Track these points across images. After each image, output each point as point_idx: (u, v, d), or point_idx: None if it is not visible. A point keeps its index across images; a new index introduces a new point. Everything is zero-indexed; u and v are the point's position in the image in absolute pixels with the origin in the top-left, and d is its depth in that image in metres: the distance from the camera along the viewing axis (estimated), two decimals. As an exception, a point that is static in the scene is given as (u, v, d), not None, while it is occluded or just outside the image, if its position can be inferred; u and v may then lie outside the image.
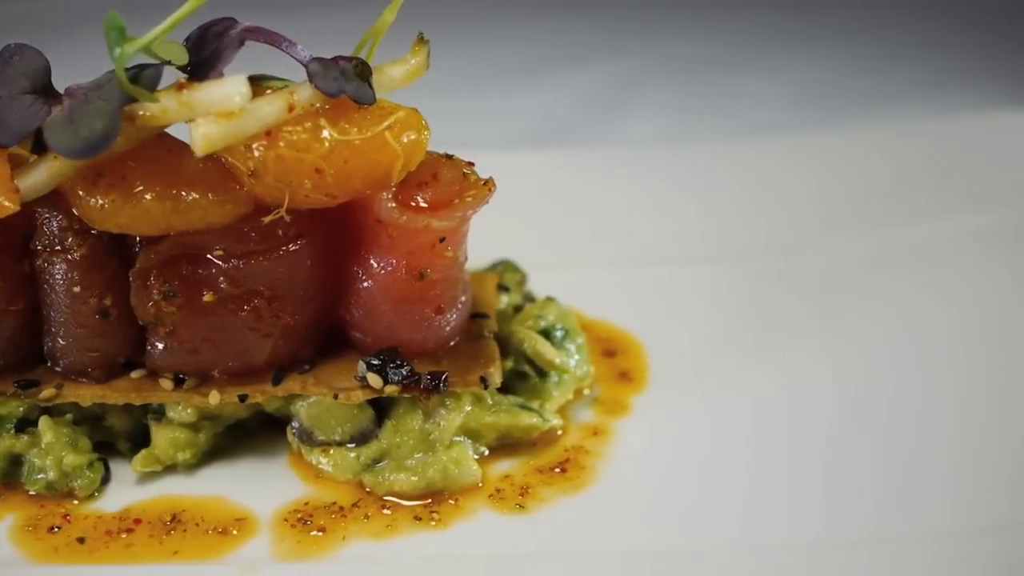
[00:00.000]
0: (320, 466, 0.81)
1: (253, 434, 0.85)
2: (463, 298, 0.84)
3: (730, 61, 1.70)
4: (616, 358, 0.96)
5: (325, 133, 0.73)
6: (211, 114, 0.70)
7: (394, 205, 0.75)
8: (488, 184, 0.78)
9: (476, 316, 0.87)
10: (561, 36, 1.75)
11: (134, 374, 0.81)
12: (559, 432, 0.86)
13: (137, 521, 0.77)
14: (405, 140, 0.75)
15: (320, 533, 0.76)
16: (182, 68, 0.75)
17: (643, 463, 0.83)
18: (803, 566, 0.74)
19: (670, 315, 1.02)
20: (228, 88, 0.70)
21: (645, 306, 1.03)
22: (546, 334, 0.88)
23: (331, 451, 0.81)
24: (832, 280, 1.05)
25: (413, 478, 0.79)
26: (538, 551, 0.75)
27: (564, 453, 0.84)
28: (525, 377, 0.86)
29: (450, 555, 0.74)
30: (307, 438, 0.82)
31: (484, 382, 0.81)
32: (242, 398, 0.80)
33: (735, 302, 1.03)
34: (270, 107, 0.72)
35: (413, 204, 0.76)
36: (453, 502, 0.79)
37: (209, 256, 0.76)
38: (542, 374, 0.86)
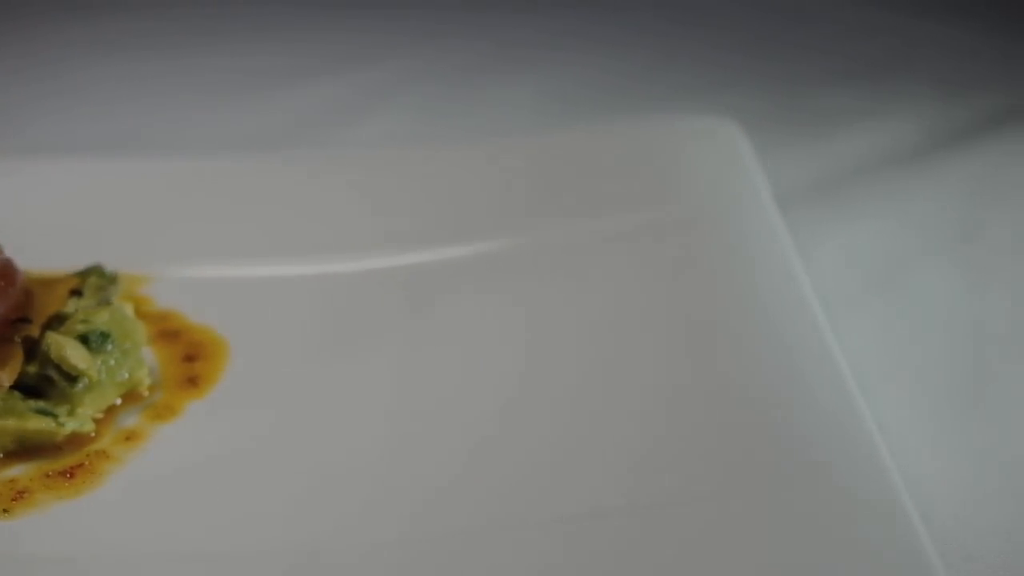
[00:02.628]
0: None
1: None
2: (-11, 303, 0.85)
3: (495, 64, 1.70)
4: (195, 363, 0.96)
5: None
6: None
7: None
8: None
9: (18, 320, 0.88)
10: (320, 40, 1.76)
11: None
12: (92, 436, 0.87)
13: None
14: None
15: None
16: None
17: (157, 469, 0.84)
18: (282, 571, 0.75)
19: (277, 321, 1.02)
20: None
21: (257, 312, 1.03)
22: (84, 339, 0.89)
23: None
24: (450, 287, 1.05)
25: (-99, 479, 0.80)
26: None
27: (83, 458, 0.85)
28: (53, 382, 0.87)
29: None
30: None
31: (-13, 387, 0.82)
32: None
33: (345, 309, 1.03)
34: None
35: None
36: (-58, 504, 0.80)
37: None
38: (71, 379, 0.87)
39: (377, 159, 1.23)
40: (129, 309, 0.97)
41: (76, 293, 0.95)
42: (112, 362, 0.89)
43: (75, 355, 0.86)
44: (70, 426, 0.85)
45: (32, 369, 0.86)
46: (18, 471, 0.83)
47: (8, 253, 0.94)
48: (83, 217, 1.10)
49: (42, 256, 1.03)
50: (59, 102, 1.58)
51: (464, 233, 1.10)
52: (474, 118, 1.55)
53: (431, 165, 1.17)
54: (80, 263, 1.02)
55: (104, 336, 0.89)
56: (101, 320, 0.90)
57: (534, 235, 1.09)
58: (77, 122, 1.52)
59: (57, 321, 0.91)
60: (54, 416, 0.85)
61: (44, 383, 0.87)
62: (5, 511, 0.79)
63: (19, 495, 0.81)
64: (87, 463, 0.84)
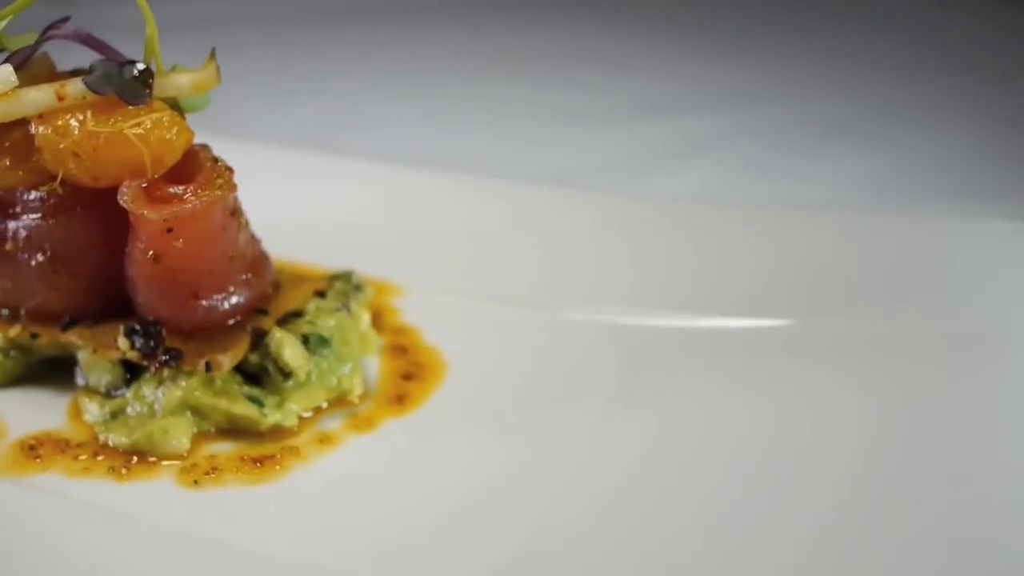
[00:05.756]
0: (82, 407, 0.94)
1: (67, 371, 0.99)
2: (235, 289, 0.93)
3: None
4: (410, 382, 0.99)
5: (78, 123, 0.85)
6: (-12, 94, 0.86)
7: (127, 192, 0.86)
8: (221, 189, 0.86)
9: (258, 311, 0.95)
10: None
11: (-24, 301, 0.99)
12: (293, 431, 0.92)
13: (-75, 416, 0.94)
14: (154, 139, 0.86)
15: (37, 460, 0.89)
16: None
17: (334, 477, 0.87)
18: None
19: (506, 358, 1.02)
20: (-3, 75, 0.85)
21: (488, 344, 1.04)
22: (305, 340, 0.94)
23: (91, 396, 0.94)
24: (674, 356, 1.00)
25: (125, 435, 0.89)
26: (173, 522, 0.82)
27: (277, 449, 0.90)
28: (269, 374, 0.93)
29: (100, 504, 0.83)
30: (82, 381, 0.95)
31: (208, 366, 0.89)
32: (34, 336, 0.95)
33: (580, 359, 1.01)
34: (38, 94, 0.86)
35: (149, 195, 0.86)
36: (153, 463, 0.88)
37: (11, 211, 0.92)
38: (285, 375, 0.92)
39: (662, 210, 1.19)
40: (366, 319, 1.02)
41: (320, 294, 1.01)
42: (325, 366, 0.94)
43: (291, 354, 0.92)
44: (272, 418, 0.91)
45: (254, 358, 0.93)
46: (220, 448, 0.90)
47: (281, 245, 1.03)
48: (361, 220, 1.18)
49: (316, 252, 1.13)
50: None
51: (716, 303, 1.05)
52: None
53: (735, 226, 1.12)
54: (347, 263, 1.10)
55: (323, 340, 0.95)
56: (326, 325, 0.96)
57: (798, 319, 1.01)
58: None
59: (293, 317, 0.98)
60: (261, 405, 0.91)
61: (262, 373, 0.94)
62: (195, 482, 0.86)
63: (212, 471, 0.88)
64: (278, 455, 0.89)
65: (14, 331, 0.95)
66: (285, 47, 1.83)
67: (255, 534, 0.81)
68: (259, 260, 0.97)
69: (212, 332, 0.93)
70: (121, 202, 0.86)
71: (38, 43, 0.89)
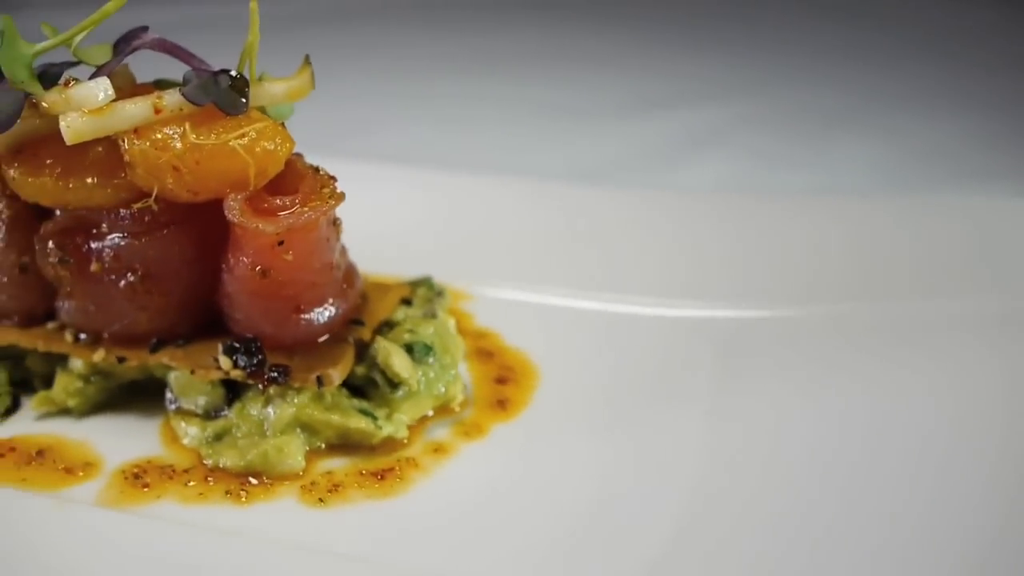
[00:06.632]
0: (178, 431, 0.90)
1: (150, 394, 0.96)
2: (334, 301, 0.90)
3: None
4: (506, 385, 0.98)
5: (180, 136, 0.82)
6: (82, 108, 0.81)
7: (235, 205, 0.83)
8: (333, 199, 0.84)
9: (353, 322, 0.93)
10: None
11: (50, 324, 0.94)
12: (404, 442, 0.90)
13: (11, 449, 0.89)
14: (259, 150, 0.83)
15: (145, 488, 0.85)
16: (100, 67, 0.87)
17: (459, 486, 0.86)
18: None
19: (592, 355, 1.02)
20: (93, 88, 0.81)
21: (570, 343, 1.04)
22: (408, 349, 0.92)
23: (187, 419, 0.90)
24: (762, 347, 1.01)
25: (236, 457, 0.86)
26: (308, 542, 0.79)
27: (394, 462, 0.88)
28: (377, 385, 0.91)
29: (226, 528, 0.80)
30: (174, 405, 0.91)
31: (320, 381, 0.87)
32: (120, 360, 0.91)
33: (665, 353, 1.02)
34: (135, 107, 0.82)
35: (254, 207, 0.83)
36: (268, 484, 0.86)
37: (96, 231, 0.88)
38: (393, 385, 0.90)
39: (715, 203, 1.20)
40: (452, 324, 1.01)
41: (406, 302, 1.00)
42: (432, 375, 0.92)
43: (399, 363, 0.90)
44: (387, 430, 0.89)
45: (360, 370, 0.91)
46: (335, 464, 0.88)
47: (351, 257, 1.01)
48: (423, 228, 1.17)
49: (380, 261, 1.11)
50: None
51: (786, 292, 1.06)
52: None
53: (775, 215, 1.13)
54: (413, 272, 1.09)
55: (427, 348, 0.93)
56: (427, 333, 0.94)
57: (862, 304, 1.03)
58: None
59: (387, 327, 0.96)
60: (374, 418, 0.89)
61: (368, 385, 0.92)
62: (321, 500, 0.84)
63: (335, 488, 0.85)
64: (397, 468, 0.87)
65: (98, 355, 0.91)
66: (281, 50, 1.77)
67: (395, 548, 0.79)
68: (350, 270, 0.95)
69: (312, 346, 0.90)
70: (229, 216, 0.83)
71: (124, 55, 0.85)
